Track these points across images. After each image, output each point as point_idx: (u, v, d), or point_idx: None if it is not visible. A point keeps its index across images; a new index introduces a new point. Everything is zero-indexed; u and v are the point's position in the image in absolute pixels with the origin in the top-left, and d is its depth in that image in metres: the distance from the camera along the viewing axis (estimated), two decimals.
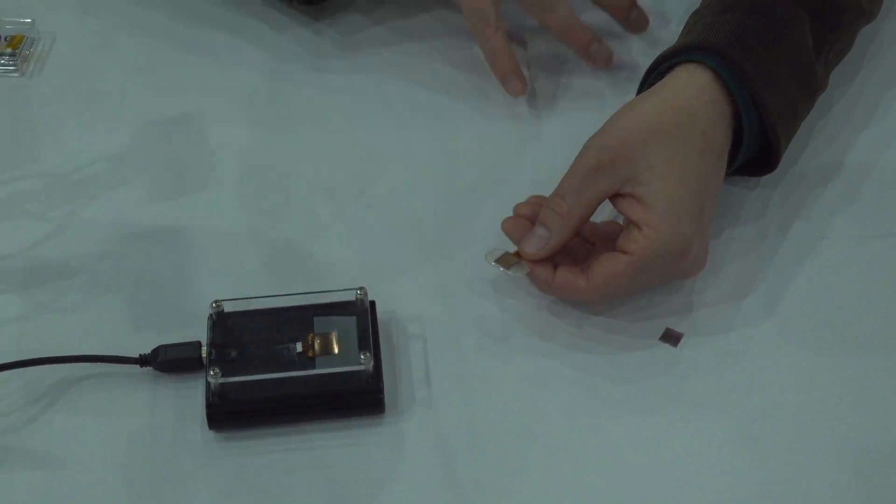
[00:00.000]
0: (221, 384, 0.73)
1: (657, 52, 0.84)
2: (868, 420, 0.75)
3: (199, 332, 0.77)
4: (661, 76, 0.82)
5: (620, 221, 0.83)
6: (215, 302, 0.77)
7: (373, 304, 0.78)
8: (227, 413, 0.74)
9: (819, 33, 0.85)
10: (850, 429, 0.75)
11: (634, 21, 0.99)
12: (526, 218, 0.80)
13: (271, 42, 1.01)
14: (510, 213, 0.81)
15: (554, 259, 0.79)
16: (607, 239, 0.81)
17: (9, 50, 0.98)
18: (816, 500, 0.72)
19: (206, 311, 0.77)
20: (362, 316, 0.77)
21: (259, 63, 0.99)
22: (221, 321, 0.77)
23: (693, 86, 0.79)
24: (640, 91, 0.85)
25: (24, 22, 1.00)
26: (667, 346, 0.79)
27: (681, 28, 0.89)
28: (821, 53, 0.86)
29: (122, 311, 0.81)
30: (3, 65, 0.97)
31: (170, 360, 0.77)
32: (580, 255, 0.81)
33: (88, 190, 0.89)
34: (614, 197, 0.78)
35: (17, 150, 0.92)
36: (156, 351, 0.77)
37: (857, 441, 0.74)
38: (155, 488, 0.73)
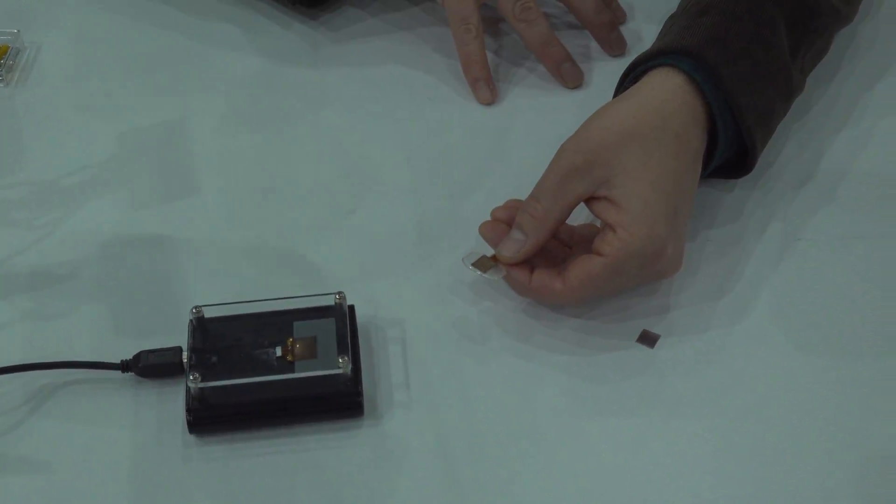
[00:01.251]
0: (201, 389, 0.74)
1: (632, 57, 0.85)
2: (845, 419, 0.76)
3: (180, 338, 0.78)
4: (636, 80, 0.83)
5: (598, 224, 0.84)
6: (195, 308, 0.77)
7: (352, 308, 0.79)
8: (208, 417, 0.75)
9: (795, 36, 0.86)
10: (826, 427, 0.75)
11: (614, 44, 1.00)
12: (503, 222, 0.81)
13: (251, 50, 1.01)
14: (487, 218, 0.82)
15: (531, 262, 0.80)
16: (584, 241, 0.81)
17: None
18: (795, 500, 0.72)
19: (187, 317, 0.78)
20: (341, 320, 0.77)
21: (238, 73, 0.99)
22: (202, 327, 0.77)
23: (667, 89, 0.80)
24: (615, 94, 0.86)
25: (9, 32, 1.01)
26: (644, 347, 0.80)
27: (658, 32, 0.90)
28: (797, 56, 0.86)
29: (105, 318, 0.82)
30: None
31: (151, 366, 0.77)
32: (557, 258, 0.81)
33: (72, 198, 0.89)
34: (590, 200, 0.78)
35: (2, 159, 0.92)
36: (137, 356, 0.77)
37: (834, 439, 0.74)
38: (137, 493, 0.73)
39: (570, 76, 0.97)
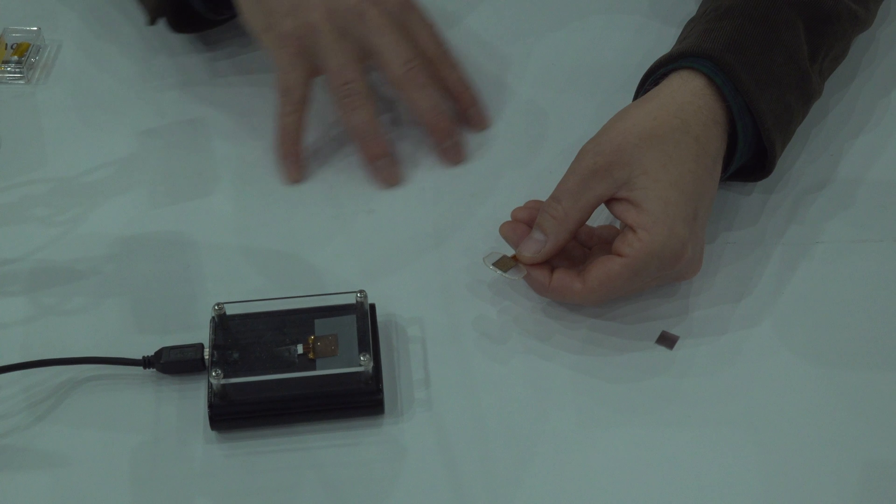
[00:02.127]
0: (223, 385, 0.75)
1: (654, 59, 0.85)
2: (862, 423, 0.76)
3: (201, 335, 0.78)
4: (656, 82, 0.83)
5: (617, 225, 0.84)
6: (217, 304, 0.78)
7: (373, 306, 0.79)
8: (229, 414, 0.75)
9: (814, 41, 0.86)
10: (845, 431, 0.75)
11: (471, 118, 0.94)
12: (523, 222, 0.81)
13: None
14: (508, 218, 0.83)
15: (551, 262, 0.80)
16: (603, 242, 0.82)
17: (15, 58, 0.99)
18: (814, 502, 0.73)
19: (208, 314, 0.78)
20: (362, 318, 0.78)
21: (256, 70, 1.00)
22: (223, 323, 0.78)
23: (687, 91, 0.80)
24: (636, 97, 0.87)
25: (30, 30, 1.01)
26: (663, 348, 0.80)
27: (678, 35, 0.90)
28: (815, 61, 0.87)
29: (127, 314, 0.82)
30: (10, 72, 0.99)
31: (173, 362, 0.78)
32: (577, 259, 0.82)
33: (94, 195, 0.90)
34: (610, 201, 0.79)
35: (24, 156, 0.93)
36: (159, 353, 0.78)
37: (852, 444, 0.75)
38: (157, 489, 0.74)
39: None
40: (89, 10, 1.05)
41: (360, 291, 0.78)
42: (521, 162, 0.92)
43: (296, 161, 0.91)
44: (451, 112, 0.92)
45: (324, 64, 0.88)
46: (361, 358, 0.75)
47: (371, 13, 0.87)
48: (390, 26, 0.87)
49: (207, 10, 0.96)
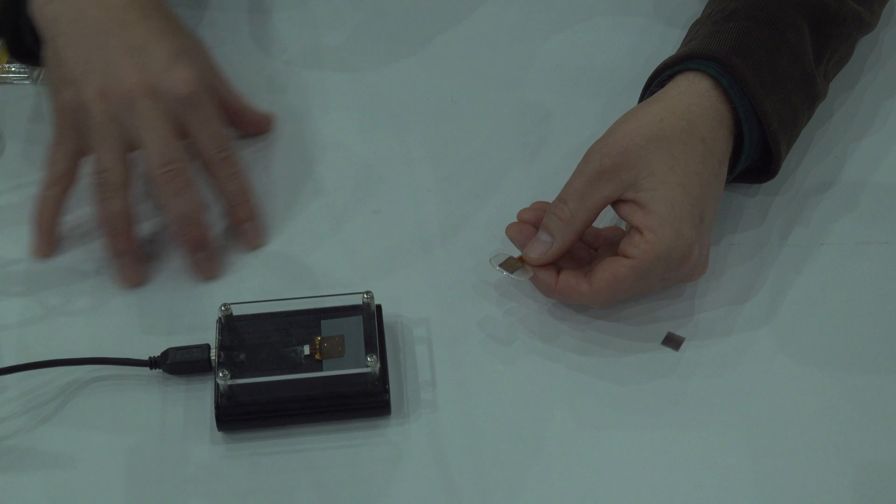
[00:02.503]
0: (230, 386, 0.75)
1: (659, 61, 0.86)
2: (867, 426, 0.76)
3: (208, 336, 0.78)
4: (662, 84, 0.83)
5: (623, 227, 0.84)
6: (224, 305, 0.78)
7: (379, 307, 0.80)
8: (236, 414, 0.75)
9: (819, 43, 0.86)
10: (849, 433, 0.76)
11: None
12: (529, 223, 0.82)
13: (272, 48, 1.02)
14: (514, 219, 0.83)
15: (557, 263, 0.80)
16: (610, 244, 0.82)
17: None
18: None
19: (214, 315, 0.78)
20: (369, 319, 0.78)
21: (260, 71, 1.00)
22: (230, 324, 0.78)
23: (693, 93, 0.80)
24: (641, 98, 0.87)
25: None
26: (668, 349, 0.80)
27: (683, 37, 0.90)
28: (820, 63, 0.87)
29: (133, 315, 0.82)
30: (15, 73, 0.99)
31: (179, 363, 0.78)
32: (583, 260, 0.82)
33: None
34: (616, 202, 0.79)
35: (30, 156, 0.93)
36: (165, 353, 0.78)
37: (860, 447, 0.75)
38: (164, 489, 0.74)
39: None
40: None
41: (367, 292, 0.78)
42: (527, 163, 0.92)
43: (48, 237, 0.85)
44: (211, 220, 0.86)
45: (89, 146, 0.82)
46: (368, 359, 0.75)
47: (142, 104, 0.81)
48: (160, 121, 0.81)
49: (39, 48, 0.88)
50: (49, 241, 0.85)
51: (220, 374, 0.74)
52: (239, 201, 0.86)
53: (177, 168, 0.81)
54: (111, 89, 0.81)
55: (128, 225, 0.83)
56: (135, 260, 0.84)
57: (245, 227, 0.86)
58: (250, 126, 0.93)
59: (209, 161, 0.84)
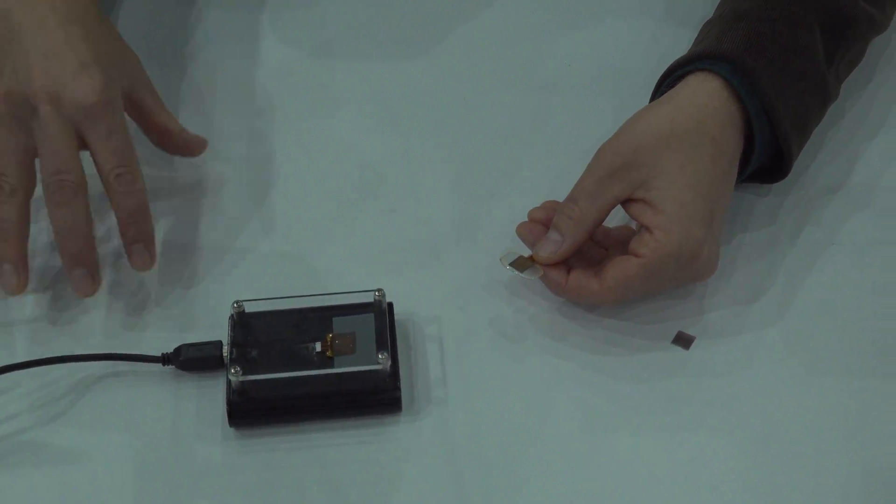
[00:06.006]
0: (242, 382, 0.75)
1: (671, 61, 0.86)
2: (877, 426, 0.76)
3: (220, 333, 0.79)
4: (673, 84, 0.83)
5: (633, 226, 0.84)
6: (236, 302, 0.78)
7: (390, 305, 0.80)
8: (248, 411, 0.76)
9: (830, 43, 0.86)
10: (860, 433, 0.76)
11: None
12: (540, 222, 0.82)
13: (282, 46, 1.02)
14: (524, 218, 0.83)
15: (567, 262, 0.80)
16: (620, 243, 0.82)
17: None
18: None
19: (227, 312, 0.79)
20: (380, 316, 0.78)
21: (273, 68, 1.00)
22: (242, 321, 0.78)
23: (704, 93, 0.81)
24: (652, 98, 0.87)
25: None
26: (679, 348, 0.80)
27: (695, 37, 0.90)
28: (832, 63, 0.87)
29: (146, 311, 0.83)
30: None
31: (192, 359, 0.78)
32: (593, 259, 0.82)
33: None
34: (626, 202, 0.79)
35: None
36: (178, 350, 0.78)
37: (867, 447, 0.75)
38: (176, 485, 0.74)
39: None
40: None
41: (378, 290, 0.79)
42: (539, 162, 0.92)
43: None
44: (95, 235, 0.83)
45: None
46: (379, 356, 0.75)
47: (44, 110, 0.79)
48: (57, 129, 0.79)
49: None
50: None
51: (233, 371, 0.75)
52: (131, 221, 0.82)
53: (64, 179, 0.79)
54: (16, 92, 0.80)
55: (17, 232, 0.80)
56: (15, 270, 0.80)
57: (134, 248, 0.82)
58: (176, 147, 0.90)
59: (105, 176, 0.81)
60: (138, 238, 0.82)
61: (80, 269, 0.80)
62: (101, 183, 0.81)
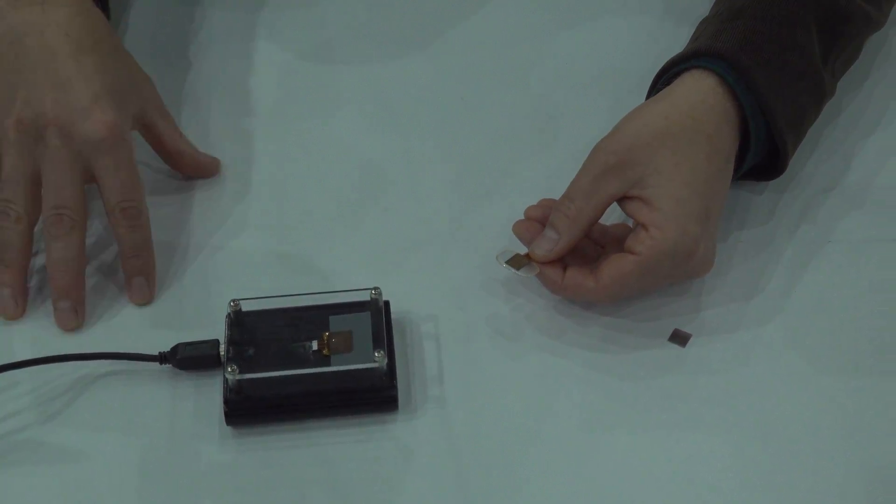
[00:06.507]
0: (239, 381, 0.75)
1: (667, 59, 0.86)
2: (875, 423, 0.76)
3: (217, 331, 0.79)
4: (668, 82, 0.84)
5: (629, 224, 0.84)
6: (233, 301, 0.79)
7: (387, 303, 0.80)
8: (244, 409, 0.76)
9: (827, 41, 0.87)
10: (857, 430, 0.76)
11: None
12: (536, 220, 0.82)
13: (281, 46, 1.03)
14: (521, 216, 0.83)
15: (564, 260, 0.80)
16: (616, 241, 0.82)
17: None
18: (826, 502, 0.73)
19: (223, 311, 0.79)
20: (377, 315, 0.78)
21: (267, 68, 1.01)
22: (239, 320, 0.79)
23: (700, 91, 0.81)
24: (648, 96, 0.87)
25: None
26: (675, 346, 0.80)
27: (691, 35, 0.90)
28: (828, 61, 0.87)
29: (143, 310, 0.83)
30: None
31: (188, 358, 0.78)
32: (590, 257, 0.82)
33: None
34: (622, 199, 0.79)
35: None
36: (175, 349, 0.79)
37: (864, 444, 0.75)
38: (173, 483, 0.74)
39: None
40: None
41: (375, 288, 0.79)
42: (536, 161, 0.92)
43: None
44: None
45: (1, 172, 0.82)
46: (376, 354, 0.75)
47: (52, 141, 0.80)
48: (64, 162, 0.80)
49: None
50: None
51: (229, 370, 0.75)
52: (133, 254, 0.83)
53: (63, 213, 0.80)
54: (27, 120, 0.80)
55: (19, 258, 0.82)
56: (13, 296, 0.82)
57: (134, 281, 0.83)
58: (190, 169, 0.91)
59: (111, 209, 0.82)
60: (137, 271, 0.83)
61: (65, 301, 0.81)
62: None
